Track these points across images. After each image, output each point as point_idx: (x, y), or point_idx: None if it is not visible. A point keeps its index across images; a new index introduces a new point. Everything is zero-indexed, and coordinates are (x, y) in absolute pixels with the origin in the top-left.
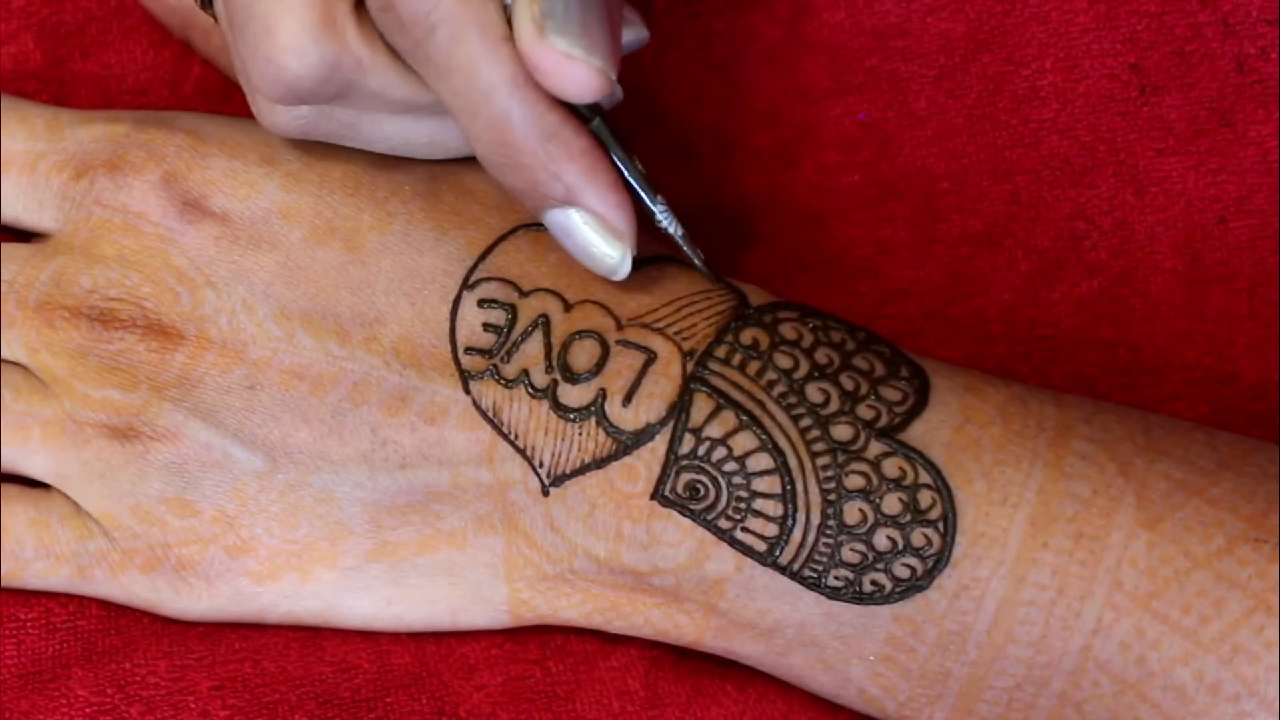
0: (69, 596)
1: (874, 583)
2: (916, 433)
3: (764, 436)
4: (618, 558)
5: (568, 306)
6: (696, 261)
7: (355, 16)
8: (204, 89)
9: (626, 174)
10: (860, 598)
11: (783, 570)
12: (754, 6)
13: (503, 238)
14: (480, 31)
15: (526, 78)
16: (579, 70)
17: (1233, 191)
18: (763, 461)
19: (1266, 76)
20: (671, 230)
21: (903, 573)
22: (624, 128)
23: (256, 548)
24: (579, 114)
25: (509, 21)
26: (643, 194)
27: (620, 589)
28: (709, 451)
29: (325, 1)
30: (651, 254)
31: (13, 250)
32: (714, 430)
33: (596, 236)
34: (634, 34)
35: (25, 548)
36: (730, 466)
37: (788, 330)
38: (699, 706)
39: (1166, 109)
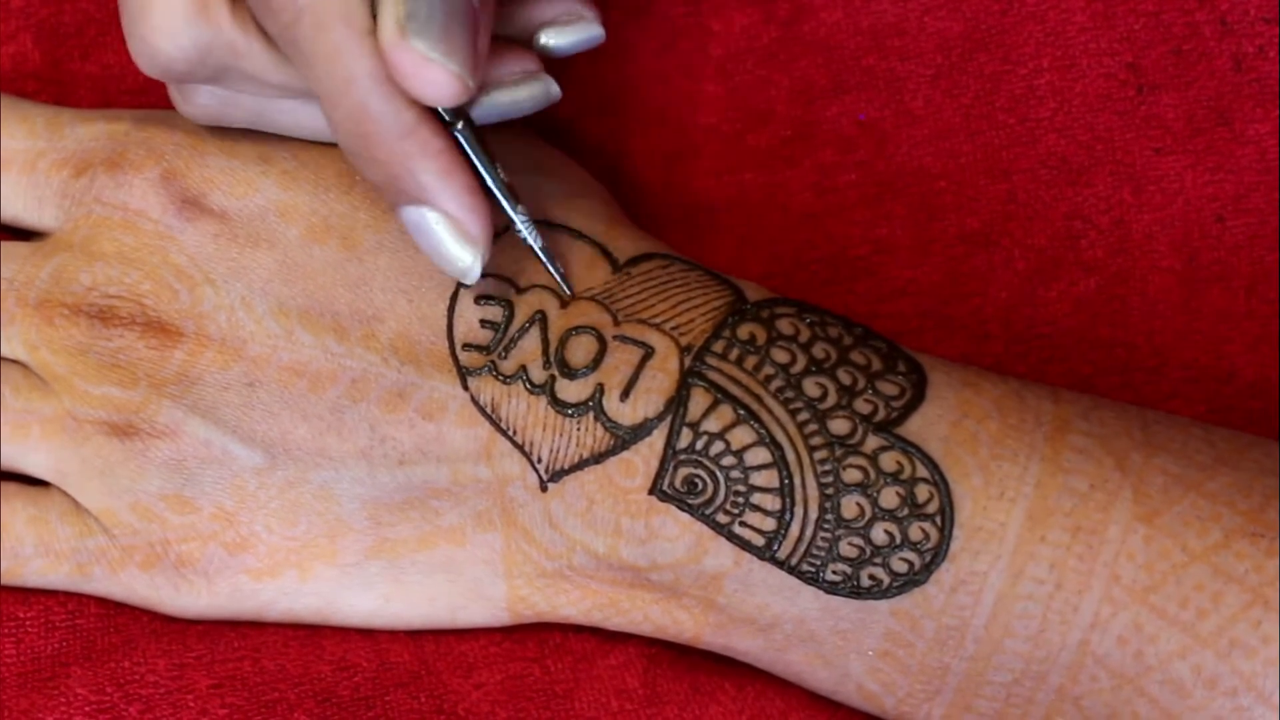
0: (68, 595)
1: (872, 577)
2: (914, 427)
3: (762, 431)
4: (616, 553)
5: (564, 303)
6: (556, 276)
7: (230, 2)
8: None
9: (487, 180)
10: (858, 592)
11: (781, 565)
12: (752, 6)
13: (497, 235)
14: (344, 22)
15: (385, 75)
16: (436, 73)
17: (1230, 190)
18: (761, 456)
19: (1264, 75)
20: (530, 241)
21: (900, 567)
22: (621, 127)
23: (256, 544)
24: (441, 117)
25: (374, 16)
26: (504, 201)
27: (619, 585)
28: (707, 446)
29: None
30: (647, 250)
31: (12, 249)
32: (711, 425)
33: (449, 237)
34: (587, 32)
35: (25, 545)
36: (728, 461)
37: (785, 325)
38: (697, 704)
39: (1164, 108)
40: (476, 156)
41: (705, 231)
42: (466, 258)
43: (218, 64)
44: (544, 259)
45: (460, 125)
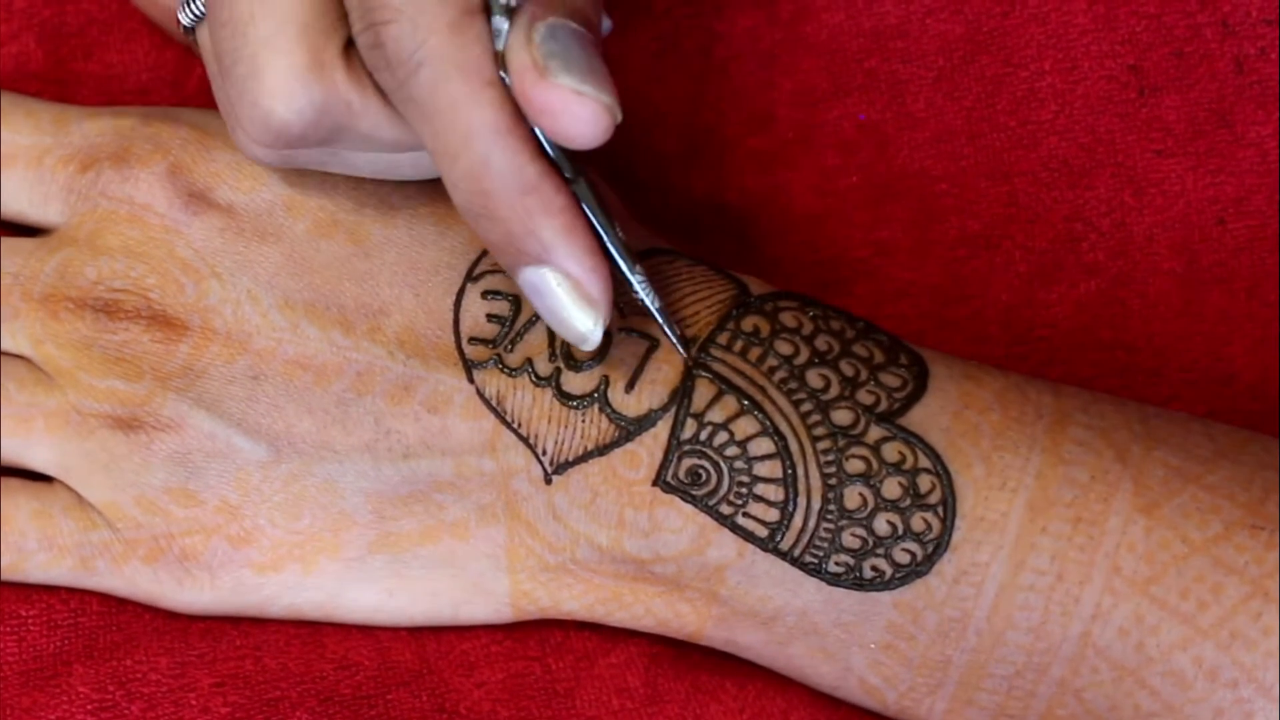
0: (70, 593)
1: (874, 568)
2: (916, 418)
3: (766, 421)
4: (620, 545)
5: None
6: (673, 339)
7: (344, 58)
8: (206, 88)
9: (606, 240)
10: (861, 584)
11: (783, 556)
12: (754, 7)
13: None
14: (464, 73)
15: (510, 125)
16: (589, 109)
17: (1231, 193)
18: (764, 446)
19: (1266, 77)
20: (649, 304)
21: (903, 558)
22: (623, 129)
23: (259, 538)
24: (561, 172)
25: (497, 65)
26: (621, 262)
27: (622, 579)
28: (711, 436)
29: (314, 42)
30: (652, 246)
31: (16, 244)
32: (716, 415)
33: (569, 300)
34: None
35: (28, 539)
36: (732, 451)
37: (788, 318)
38: (698, 703)
39: (1165, 110)
40: (595, 215)
41: (706, 233)
42: (588, 322)
43: (333, 124)
44: (661, 321)
45: (580, 181)
